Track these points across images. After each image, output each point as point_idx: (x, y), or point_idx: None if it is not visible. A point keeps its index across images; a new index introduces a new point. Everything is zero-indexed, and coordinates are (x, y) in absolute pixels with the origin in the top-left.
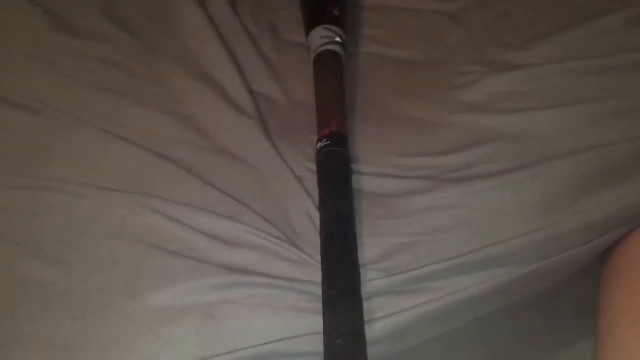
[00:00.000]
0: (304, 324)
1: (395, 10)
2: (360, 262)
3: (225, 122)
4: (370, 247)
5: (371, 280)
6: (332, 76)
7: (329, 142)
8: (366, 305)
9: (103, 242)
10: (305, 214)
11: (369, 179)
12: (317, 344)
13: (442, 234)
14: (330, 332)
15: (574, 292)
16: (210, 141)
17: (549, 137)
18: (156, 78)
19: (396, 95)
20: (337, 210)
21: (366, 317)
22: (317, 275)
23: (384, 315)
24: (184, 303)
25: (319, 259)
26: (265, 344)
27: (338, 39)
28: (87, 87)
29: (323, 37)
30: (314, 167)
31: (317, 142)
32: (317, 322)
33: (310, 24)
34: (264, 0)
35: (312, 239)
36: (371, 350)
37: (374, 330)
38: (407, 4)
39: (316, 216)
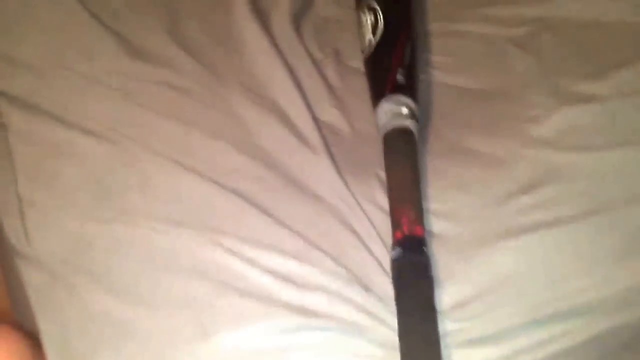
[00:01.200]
0: None
1: (460, 35)
2: None
3: (293, 155)
4: (441, 294)
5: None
6: (401, 161)
7: (401, 250)
8: None
9: (175, 279)
10: (372, 254)
11: (438, 220)
12: None
13: (515, 280)
14: None
15: None
16: (278, 174)
17: (625, 177)
18: (222, 105)
19: (465, 127)
20: (419, 336)
21: None
22: (385, 318)
23: None
24: (254, 346)
25: (386, 299)
26: None
27: (405, 110)
28: (156, 114)
29: (387, 112)
30: (379, 199)
31: (391, 248)
32: None
33: (374, 96)
34: (328, 24)
35: (379, 279)
36: None
37: None
38: (471, 28)
39: (382, 256)
